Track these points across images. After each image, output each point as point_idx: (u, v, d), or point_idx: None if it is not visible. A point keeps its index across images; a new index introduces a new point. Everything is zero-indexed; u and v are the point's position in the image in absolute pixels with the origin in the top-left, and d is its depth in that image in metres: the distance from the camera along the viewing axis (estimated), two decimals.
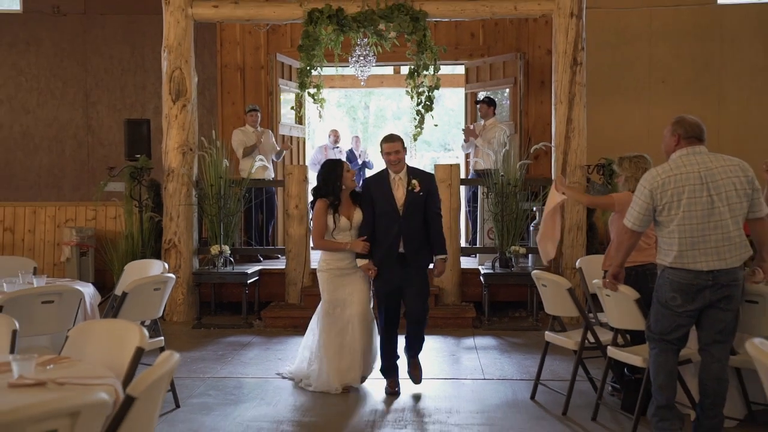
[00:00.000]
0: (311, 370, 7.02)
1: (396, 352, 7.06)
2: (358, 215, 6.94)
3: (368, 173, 15.58)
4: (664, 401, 5.56)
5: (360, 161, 15.45)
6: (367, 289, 7.03)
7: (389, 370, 7.05)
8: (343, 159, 14.80)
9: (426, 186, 6.82)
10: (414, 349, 7.07)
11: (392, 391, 6.90)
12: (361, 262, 6.86)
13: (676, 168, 5.45)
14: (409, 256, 6.77)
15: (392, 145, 6.83)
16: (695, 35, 12.63)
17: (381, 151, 6.96)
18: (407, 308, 6.95)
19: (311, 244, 7.04)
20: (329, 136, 15.24)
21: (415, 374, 7.02)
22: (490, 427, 6.05)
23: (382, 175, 6.98)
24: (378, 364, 7.18)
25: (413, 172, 6.93)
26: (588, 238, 9.91)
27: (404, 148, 6.91)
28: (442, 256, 6.90)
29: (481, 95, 12.20)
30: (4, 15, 13.92)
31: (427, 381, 6.98)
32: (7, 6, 14.04)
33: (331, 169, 6.97)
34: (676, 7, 12.60)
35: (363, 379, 7.07)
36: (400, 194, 6.77)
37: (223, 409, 6.56)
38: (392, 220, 6.76)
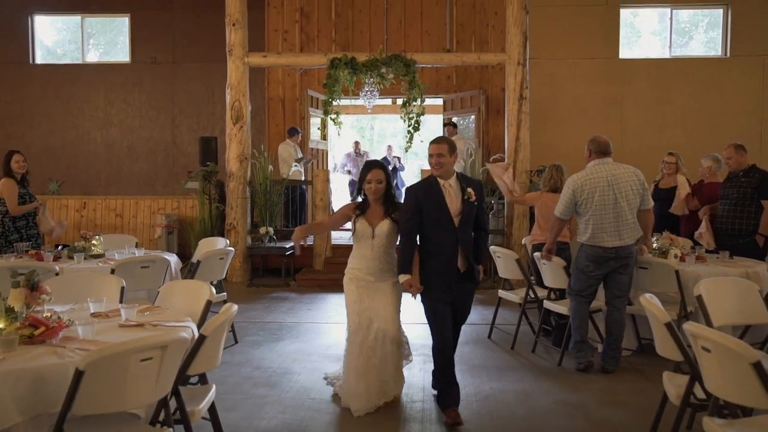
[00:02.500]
0: (341, 381, 5.00)
1: (454, 376, 4.67)
2: (384, 225, 4.68)
3: (401, 177, 15.00)
4: (579, 337, 5.63)
5: (390, 167, 14.50)
6: (394, 305, 4.75)
7: (447, 399, 4.62)
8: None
9: (478, 194, 4.62)
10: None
11: (454, 422, 4.47)
12: (403, 278, 4.53)
13: (590, 174, 5.50)
14: (467, 271, 4.60)
15: (437, 146, 4.57)
16: (604, 80, 12.65)
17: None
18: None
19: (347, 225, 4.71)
20: (352, 146, 14.96)
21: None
22: (460, 357, 5.98)
23: (431, 183, 4.59)
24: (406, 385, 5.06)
25: (464, 180, 4.66)
26: (530, 223, 9.93)
27: (451, 153, 4.58)
28: (479, 267, 4.74)
29: (455, 119, 12.22)
30: (118, 64, 14.08)
31: (415, 325, 6.67)
32: (121, 59, 14.19)
33: (361, 173, 4.83)
34: (591, 60, 12.62)
35: (388, 401, 4.78)
36: (453, 204, 4.51)
37: (268, 344, 6.59)
38: (448, 231, 4.50)
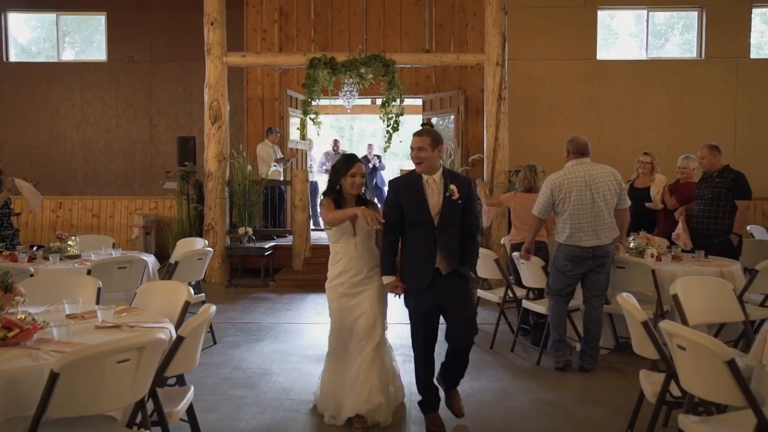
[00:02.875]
0: (317, 386, 4.82)
1: (434, 381, 4.54)
2: (363, 221, 4.30)
3: (381, 176, 14.66)
4: (558, 336, 5.67)
5: (371, 165, 14.18)
6: (380, 308, 4.46)
7: (428, 404, 4.47)
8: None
9: (465, 192, 4.27)
10: (452, 378, 4.56)
11: (436, 430, 4.36)
12: (387, 279, 4.31)
13: (568, 173, 5.54)
14: (448, 271, 4.25)
15: (418, 139, 4.27)
16: (582, 81, 12.77)
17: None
18: (449, 331, 4.37)
19: (321, 225, 4.33)
20: (331, 144, 14.73)
21: (456, 406, 4.54)
22: (439, 357, 6.00)
23: (413, 178, 4.33)
24: (407, 400, 4.85)
25: (450, 176, 4.34)
26: (509, 223, 9.97)
27: (434, 147, 4.24)
28: (469, 270, 4.41)
29: (434, 119, 12.25)
30: (94, 63, 13.93)
31: (396, 325, 6.73)
32: (97, 57, 14.04)
33: (338, 166, 4.48)
34: (569, 61, 12.72)
35: (376, 417, 4.39)
36: (434, 201, 4.23)
37: (247, 345, 6.56)
38: (426, 230, 4.22)
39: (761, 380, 3.24)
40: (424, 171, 4.28)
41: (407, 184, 4.35)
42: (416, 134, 4.34)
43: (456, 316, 4.31)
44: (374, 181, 14.21)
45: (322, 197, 4.52)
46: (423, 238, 4.23)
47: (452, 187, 4.22)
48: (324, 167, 14.48)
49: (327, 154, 14.54)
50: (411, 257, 4.30)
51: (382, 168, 14.80)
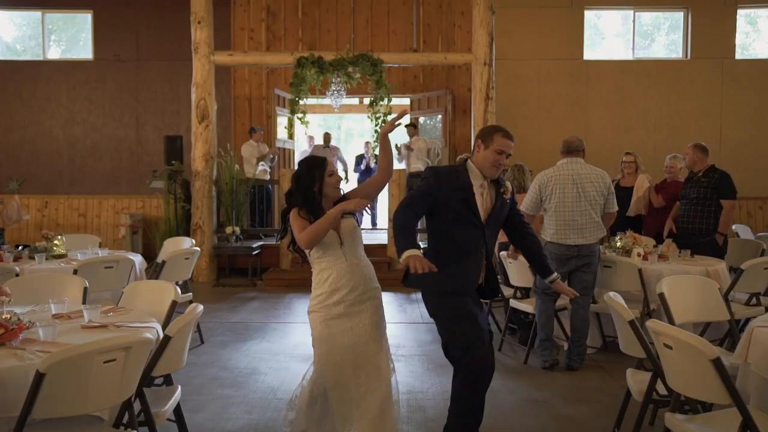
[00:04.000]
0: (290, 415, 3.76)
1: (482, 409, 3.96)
2: (348, 225, 3.59)
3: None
4: (545, 335, 5.68)
5: (363, 166, 13.72)
6: (378, 330, 3.72)
7: None
8: (347, 161, 13.66)
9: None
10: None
11: None
12: (410, 252, 3.35)
13: (557, 171, 5.59)
14: (491, 282, 3.87)
15: (511, 143, 3.74)
16: (569, 80, 12.80)
17: (485, 144, 3.73)
18: None
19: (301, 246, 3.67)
20: (323, 138, 14.38)
21: None
22: (426, 357, 6.09)
23: (461, 172, 3.72)
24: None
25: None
26: None
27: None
28: (554, 276, 4.12)
29: (422, 119, 12.25)
30: (80, 62, 13.80)
31: (389, 325, 6.76)
32: (83, 56, 13.93)
33: (309, 170, 3.65)
34: (556, 60, 12.76)
35: None
36: (484, 200, 3.72)
37: (235, 344, 6.54)
38: (472, 229, 3.67)
39: (746, 378, 3.27)
40: (494, 174, 3.77)
41: (453, 177, 3.74)
42: (508, 137, 3.77)
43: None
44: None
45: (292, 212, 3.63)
46: (469, 239, 3.69)
47: (507, 183, 3.82)
48: None
49: (316, 147, 14.32)
50: (451, 258, 3.67)
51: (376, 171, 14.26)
